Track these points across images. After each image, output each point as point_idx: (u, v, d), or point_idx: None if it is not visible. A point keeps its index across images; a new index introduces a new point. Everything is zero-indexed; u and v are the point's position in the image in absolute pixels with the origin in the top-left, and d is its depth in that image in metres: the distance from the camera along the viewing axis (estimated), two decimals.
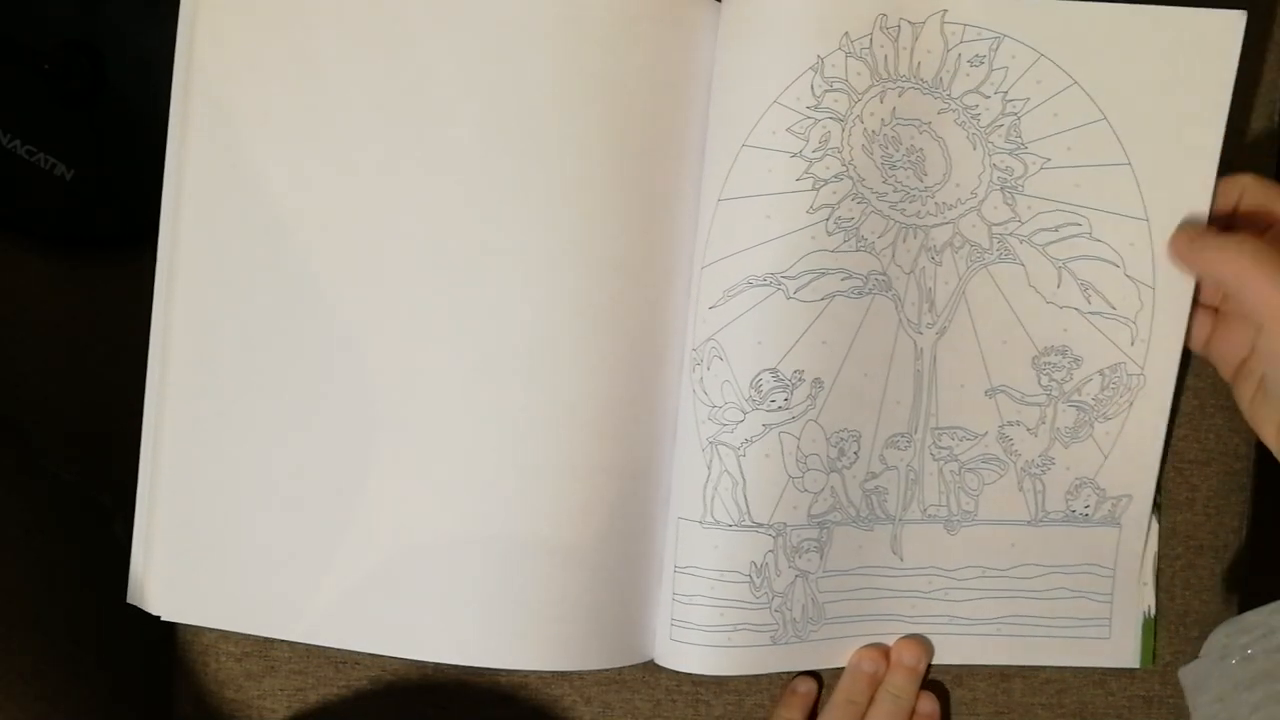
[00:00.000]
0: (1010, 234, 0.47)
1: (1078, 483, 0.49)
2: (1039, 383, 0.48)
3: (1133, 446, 0.49)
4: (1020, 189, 0.46)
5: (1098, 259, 0.47)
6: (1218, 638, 0.45)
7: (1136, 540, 0.50)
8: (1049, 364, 0.48)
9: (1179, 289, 0.47)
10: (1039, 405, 0.48)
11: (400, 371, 0.46)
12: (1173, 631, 0.52)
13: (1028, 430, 0.48)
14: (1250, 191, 0.46)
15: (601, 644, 0.47)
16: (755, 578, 0.47)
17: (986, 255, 0.47)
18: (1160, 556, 0.51)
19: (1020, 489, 0.49)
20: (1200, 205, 0.47)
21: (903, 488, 0.48)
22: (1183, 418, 0.51)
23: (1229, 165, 0.47)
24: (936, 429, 0.48)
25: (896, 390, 0.47)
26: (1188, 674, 0.46)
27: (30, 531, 0.55)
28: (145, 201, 0.48)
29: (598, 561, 0.46)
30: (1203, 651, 0.45)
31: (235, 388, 0.46)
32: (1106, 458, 0.49)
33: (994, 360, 0.48)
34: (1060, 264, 0.47)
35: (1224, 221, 0.46)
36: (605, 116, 0.45)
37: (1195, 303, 0.48)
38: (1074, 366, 0.48)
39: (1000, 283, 0.47)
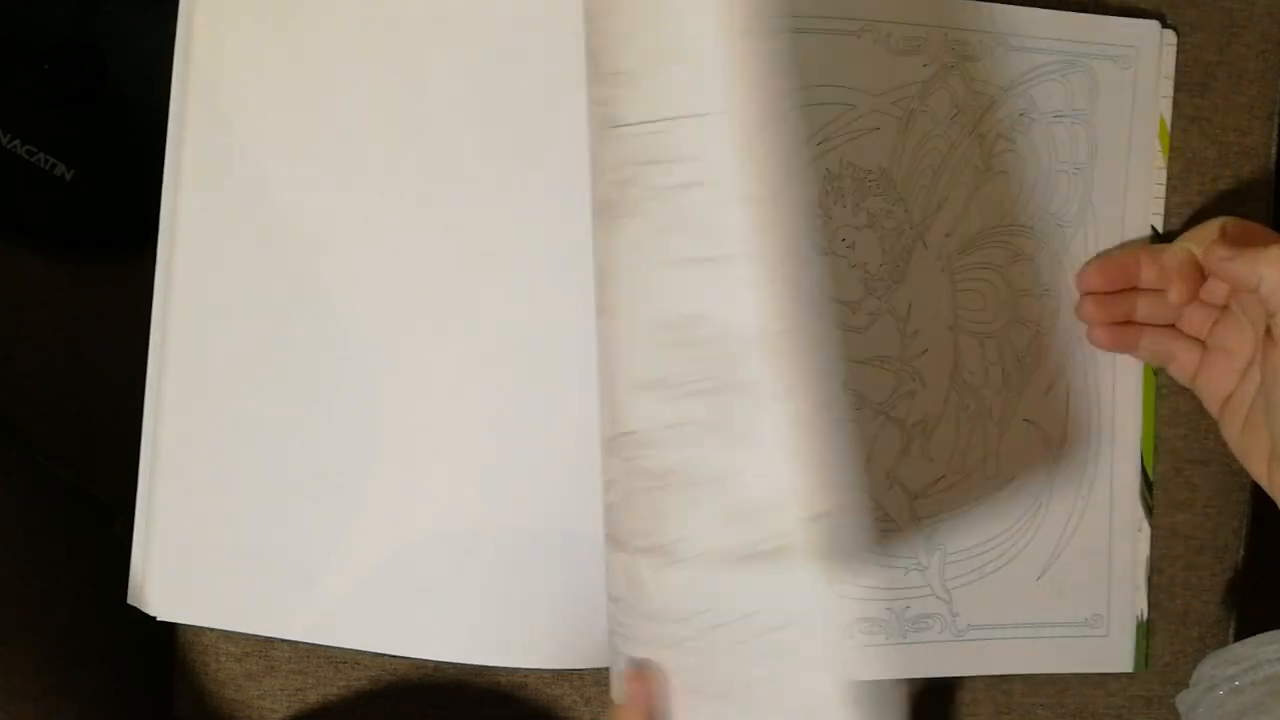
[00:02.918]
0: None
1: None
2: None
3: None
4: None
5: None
6: (1205, 669, 0.45)
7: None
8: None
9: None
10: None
11: (400, 370, 0.46)
12: (1173, 632, 0.52)
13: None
14: (1230, 229, 0.45)
15: (602, 643, 0.47)
16: None
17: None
18: (1160, 556, 0.51)
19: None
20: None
21: None
22: (1182, 417, 0.51)
23: (1230, 166, 0.47)
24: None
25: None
26: (1181, 701, 0.46)
27: (30, 531, 0.55)
28: (145, 201, 0.48)
29: (598, 560, 0.46)
30: (1192, 680, 0.45)
31: (235, 387, 0.46)
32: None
33: None
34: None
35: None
36: None
37: (1184, 337, 0.48)
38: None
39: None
